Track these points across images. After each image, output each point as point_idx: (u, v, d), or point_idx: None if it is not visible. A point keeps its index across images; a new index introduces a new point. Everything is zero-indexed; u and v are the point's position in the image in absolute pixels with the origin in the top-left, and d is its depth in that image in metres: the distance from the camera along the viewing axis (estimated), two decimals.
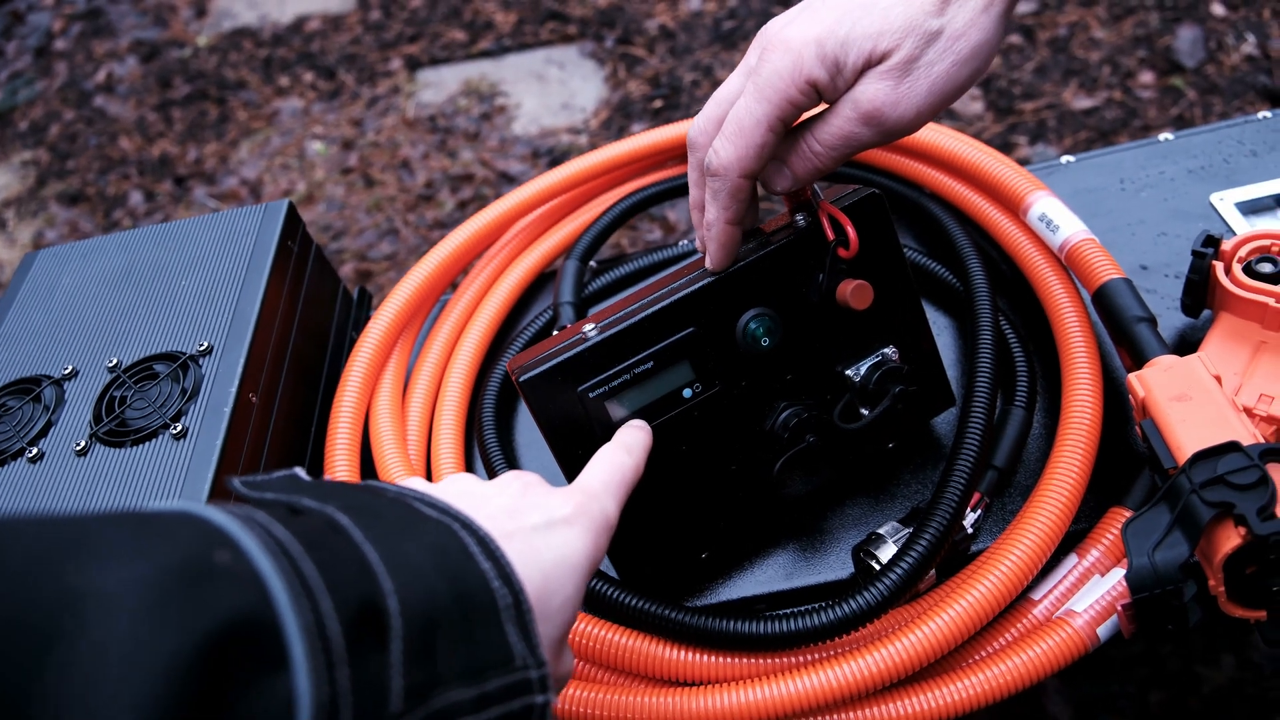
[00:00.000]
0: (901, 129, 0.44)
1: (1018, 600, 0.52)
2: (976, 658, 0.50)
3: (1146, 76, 1.60)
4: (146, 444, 0.55)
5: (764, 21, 1.99)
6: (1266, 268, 0.55)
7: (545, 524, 0.35)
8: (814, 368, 0.53)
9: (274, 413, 0.60)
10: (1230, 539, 0.42)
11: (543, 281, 0.78)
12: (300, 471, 0.32)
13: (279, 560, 0.24)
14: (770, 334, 0.51)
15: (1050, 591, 0.51)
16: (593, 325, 0.50)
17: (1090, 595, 0.50)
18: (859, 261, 0.51)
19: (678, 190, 0.78)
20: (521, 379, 0.49)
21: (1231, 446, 0.44)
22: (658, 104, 1.79)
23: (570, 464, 0.51)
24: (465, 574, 0.29)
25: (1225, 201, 0.68)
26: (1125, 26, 1.68)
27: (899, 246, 0.52)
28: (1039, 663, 0.48)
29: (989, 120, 1.60)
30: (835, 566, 0.56)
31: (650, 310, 0.50)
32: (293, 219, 0.68)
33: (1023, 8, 1.76)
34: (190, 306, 0.62)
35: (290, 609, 0.23)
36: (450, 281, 0.77)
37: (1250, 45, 1.61)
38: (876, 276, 0.52)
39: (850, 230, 0.49)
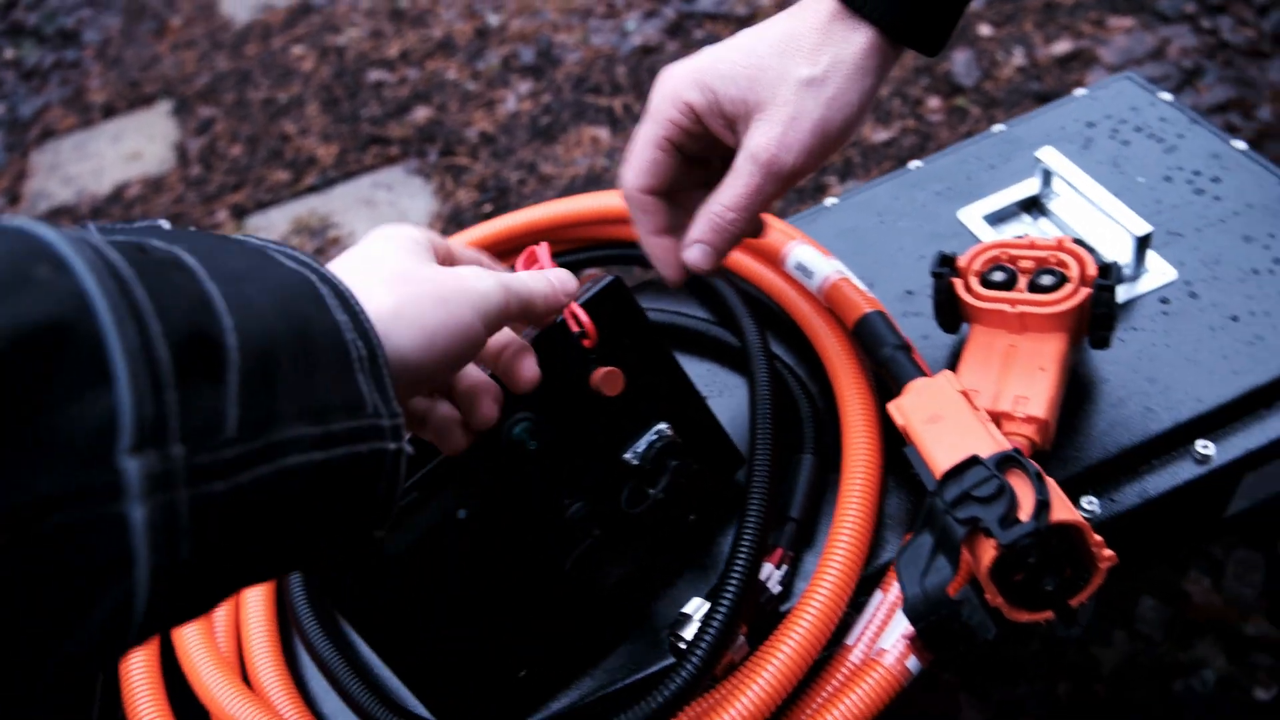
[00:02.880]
0: (799, 172, 0.48)
1: (835, 649, 0.52)
2: (803, 716, 0.50)
3: (933, 102, 1.70)
4: None
5: (579, 112, 2.06)
6: (999, 276, 0.58)
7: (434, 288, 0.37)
8: (591, 460, 0.53)
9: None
10: (988, 552, 0.43)
11: None
12: (163, 222, 0.31)
13: (106, 281, 0.23)
14: (536, 436, 0.51)
15: (863, 633, 0.52)
16: None
17: (896, 630, 0.50)
18: (610, 348, 0.51)
19: None
20: None
21: (972, 461, 0.45)
22: (488, 207, 1.81)
23: (354, 619, 0.49)
24: (314, 320, 0.29)
25: (972, 216, 0.72)
26: (906, 59, 1.79)
27: (647, 326, 0.53)
28: (857, 710, 0.47)
29: None
30: (663, 655, 0.55)
31: None
32: None
33: None
34: None
35: (113, 327, 0.23)
36: None
37: (1019, 57, 1.74)
38: (630, 359, 0.52)
39: (587, 322, 0.49)
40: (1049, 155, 0.68)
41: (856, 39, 0.46)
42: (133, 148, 2.38)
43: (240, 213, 2.01)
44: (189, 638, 0.58)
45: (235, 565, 0.27)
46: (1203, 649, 1.09)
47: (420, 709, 0.52)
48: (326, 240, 1.86)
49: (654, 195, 0.51)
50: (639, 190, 0.51)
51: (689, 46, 2.00)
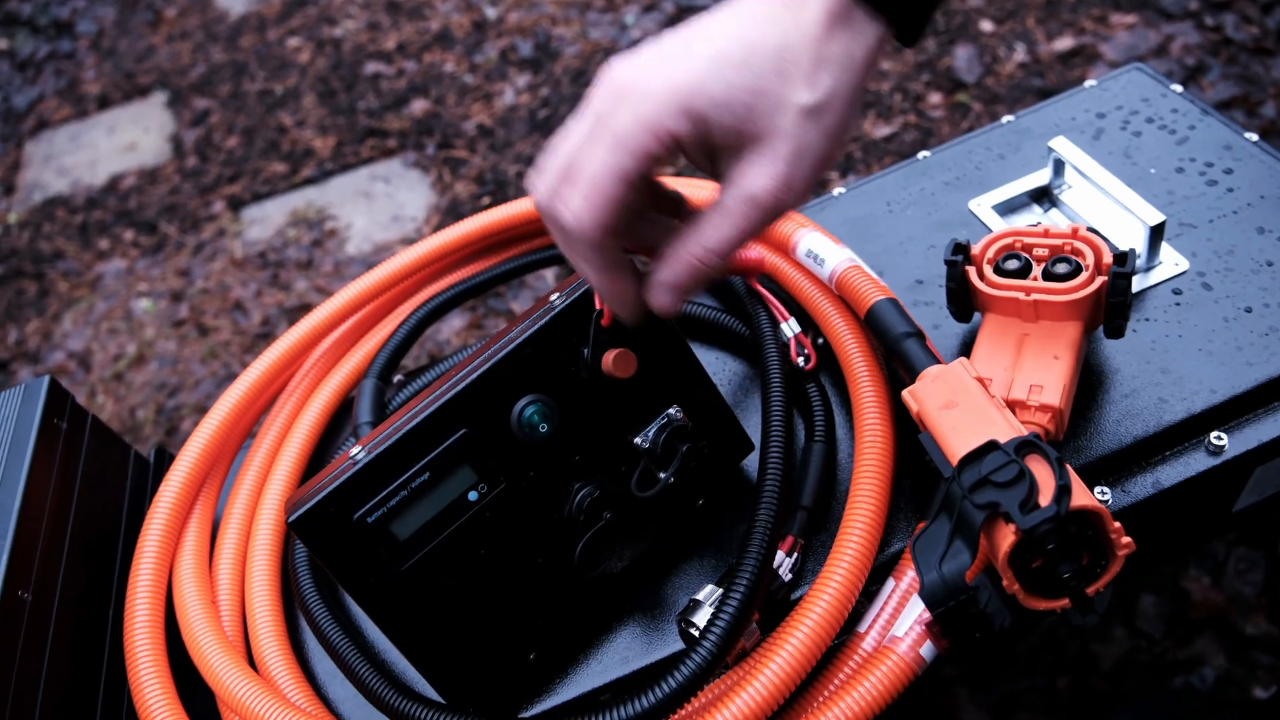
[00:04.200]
0: (792, 206, 0.42)
1: (846, 637, 0.51)
2: (815, 704, 0.49)
3: (935, 97, 1.70)
4: None
5: (578, 105, 2.03)
6: (1013, 264, 0.58)
7: None
8: (602, 443, 0.52)
9: (55, 606, 0.55)
10: (1006, 538, 0.42)
11: (349, 407, 0.75)
12: None
13: None
14: (547, 419, 0.50)
15: (875, 621, 0.51)
16: (360, 448, 0.48)
17: (909, 617, 0.50)
18: (623, 331, 0.51)
19: (474, 289, 0.77)
20: (291, 519, 0.46)
21: (990, 446, 0.45)
22: (486, 200, 1.80)
23: (365, 599, 0.48)
24: None
25: (982, 206, 0.72)
26: (906, 55, 1.78)
27: None
28: (870, 698, 0.47)
29: None
30: (673, 639, 0.55)
31: (417, 420, 0.48)
32: (56, 395, 0.64)
33: None
34: None
35: None
36: (250, 425, 0.73)
37: (1021, 53, 1.74)
38: (643, 342, 0.51)
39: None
40: (1061, 145, 0.68)
41: (860, 44, 0.40)
42: (128, 139, 2.36)
43: (237, 205, 2.00)
44: (195, 622, 0.57)
45: None
46: (1202, 646, 1.08)
47: (429, 691, 0.51)
48: (324, 232, 1.85)
49: (613, 234, 0.42)
50: (599, 231, 0.40)
51: None
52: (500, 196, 1.80)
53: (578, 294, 0.51)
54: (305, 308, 1.69)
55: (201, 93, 2.42)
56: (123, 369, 1.68)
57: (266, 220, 1.93)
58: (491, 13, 2.30)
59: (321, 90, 2.26)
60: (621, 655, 0.55)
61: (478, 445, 0.49)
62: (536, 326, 0.50)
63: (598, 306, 0.49)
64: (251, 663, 0.57)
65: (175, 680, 0.55)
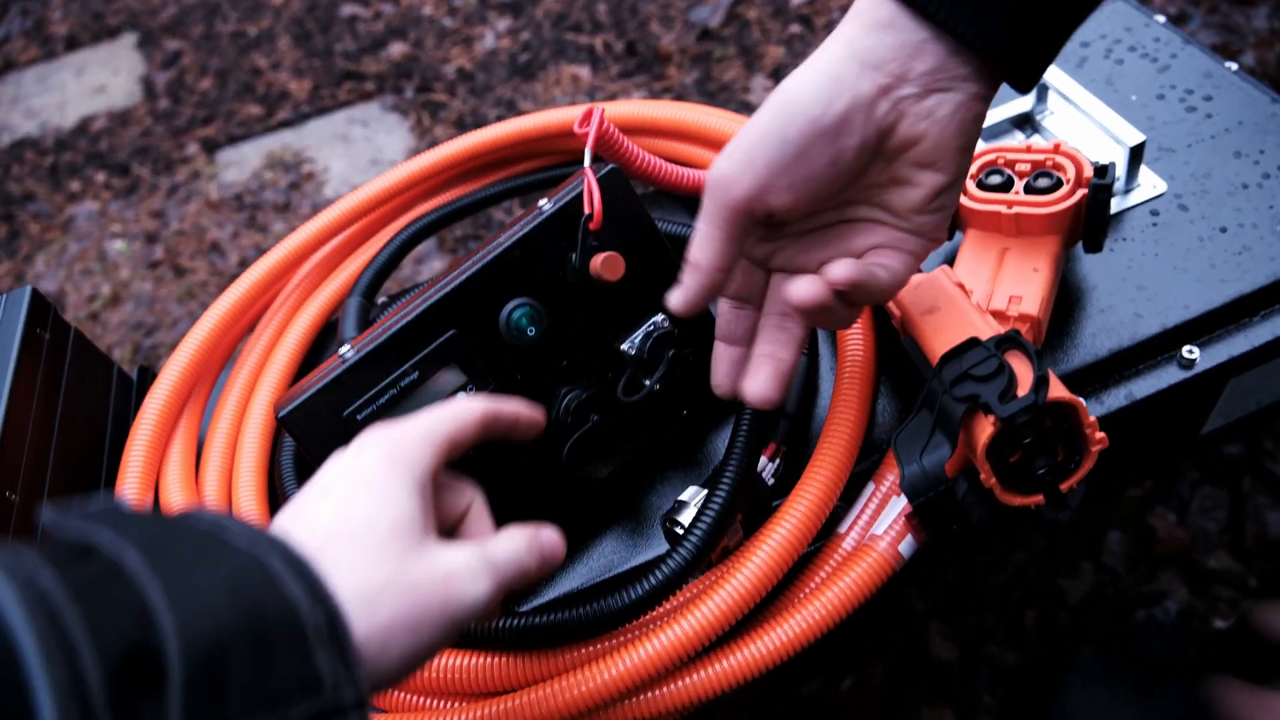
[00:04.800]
0: None
1: (828, 539, 0.52)
2: (797, 599, 0.50)
3: None
4: None
5: (559, 50, 2.03)
6: (995, 179, 0.58)
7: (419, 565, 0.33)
8: (588, 349, 0.53)
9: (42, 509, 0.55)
10: (985, 429, 0.43)
11: (334, 329, 0.75)
12: (120, 502, 0.30)
13: (37, 616, 0.23)
14: (535, 322, 0.51)
15: (855, 523, 0.52)
16: (350, 347, 0.48)
17: (889, 517, 0.51)
18: (610, 236, 0.51)
19: (458, 213, 0.77)
20: (281, 414, 0.46)
21: (972, 343, 0.46)
22: None
23: None
24: (266, 603, 0.28)
25: None
26: None
27: (646, 215, 0.53)
28: (850, 592, 0.48)
29: None
30: (656, 543, 0.56)
31: (406, 320, 0.48)
32: (39, 306, 0.64)
33: (796, 0, 1.85)
34: None
35: (41, 666, 0.23)
36: (235, 342, 0.73)
37: None
38: (630, 248, 0.52)
39: (598, 201, 0.49)
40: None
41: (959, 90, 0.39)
42: (97, 80, 2.31)
43: (211, 147, 1.97)
44: None
45: None
46: (1166, 581, 1.12)
47: None
48: (301, 175, 1.83)
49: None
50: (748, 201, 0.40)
51: None
52: None
53: (567, 199, 0.51)
54: None
55: (173, 34, 2.36)
56: (98, 309, 1.66)
57: (243, 163, 1.90)
58: None
59: (297, 33, 2.22)
60: (607, 559, 0.56)
61: (466, 346, 0.49)
62: (525, 230, 0.50)
63: (586, 210, 0.50)
64: None
65: None
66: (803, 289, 0.39)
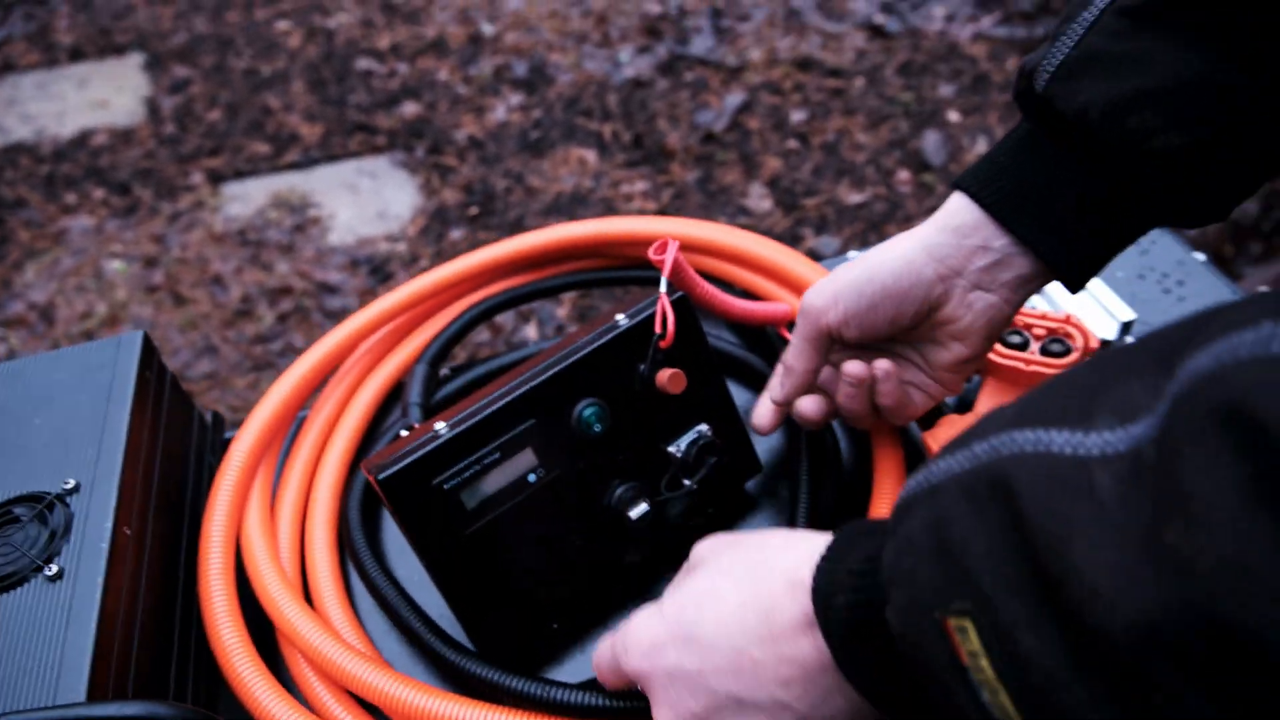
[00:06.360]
0: None
1: None
2: None
3: (904, 174, 1.85)
4: (17, 590, 0.54)
5: (569, 132, 2.13)
6: (1015, 339, 0.69)
7: None
8: (641, 447, 0.61)
9: (147, 545, 0.60)
10: None
11: (398, 395, 0.81)
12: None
13: None
14: (601, 420, 0.58)
15: None
16: (443, 423, 0.55)
17: None
18: (672, 353, 0.60)
19: (523, 298, 0.84)
20: (380, 477, 0.53)
21: None
22: (474, 211, 1.86)
23: (429, 554, 0.55)
24: None
25: None
26: (882, 132, 1.93)
27: (704, 339, 0.62)
28: None
29: (779, 216, 1.78)
30: None
31: (495, 406, 0.56)
32: (148, 350, 0.69)
33: (796, 116, 1.99)
34: (47, 446, 0.61)
35: None
36: (303, 402, 0.79)
37: (983, 144, 1.90)
38: (687, 365, 0.60)
39: (671, 324, 0.57)
40: None
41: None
42: (99, 95, 2.33)
43: (217, 178, 2.01)
44: (262, 566, 0.63)
45: None
46: None
47: (458, 634, 0.58)
48: (307, 219, 1.88)
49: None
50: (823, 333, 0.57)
51: (679, 86, 2.10)
52: (488, 208, 1.86)
53: (641, 317, 0.59)
54: (286, 290, 1.72)
55: (183, 60, 2.41)
56: (93, 327, 1.67)
57: (247, 198, 1.95)
58: (488, 29, 2.37)
59: (311, 78, 2.28)
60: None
61: (541, 434, 0.57)
62: (603, 340, 0.58)
63: (658, 330, 0.58)
64: (308, 598, 0.63)
65: (242, 608, 0.61)
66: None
